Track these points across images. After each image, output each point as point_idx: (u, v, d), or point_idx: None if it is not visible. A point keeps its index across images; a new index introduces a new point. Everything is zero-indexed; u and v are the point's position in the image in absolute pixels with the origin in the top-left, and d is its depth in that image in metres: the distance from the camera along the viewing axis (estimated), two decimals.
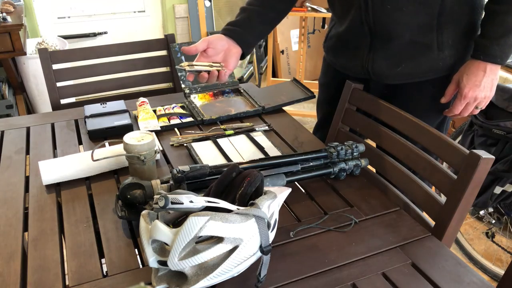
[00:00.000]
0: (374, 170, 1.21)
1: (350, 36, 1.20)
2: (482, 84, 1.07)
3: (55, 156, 1.21)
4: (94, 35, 3.39)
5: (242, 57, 1.16)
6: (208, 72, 1.05)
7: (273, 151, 1.22)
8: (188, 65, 1.01)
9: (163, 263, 0.70)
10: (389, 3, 1.07)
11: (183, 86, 1.51)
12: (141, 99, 1.43)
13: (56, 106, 1.71)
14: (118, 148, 1.13)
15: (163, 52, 1.87)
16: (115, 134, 1.28)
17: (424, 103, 1.18)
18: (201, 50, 1.07)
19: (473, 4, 1.09)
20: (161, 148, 1.23)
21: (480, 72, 1.06)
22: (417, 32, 1.08)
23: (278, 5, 1.19)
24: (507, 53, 1.05)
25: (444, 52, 1.11)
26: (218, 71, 1.06)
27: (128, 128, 1.29)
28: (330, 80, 1.38)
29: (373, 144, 1.22)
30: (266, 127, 1.35)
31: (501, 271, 1.83)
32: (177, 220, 0.78)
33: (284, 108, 1.48)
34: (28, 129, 1.34)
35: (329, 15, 2.62)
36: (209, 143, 1.25)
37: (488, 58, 1.05)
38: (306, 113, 3.19)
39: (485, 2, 1.09)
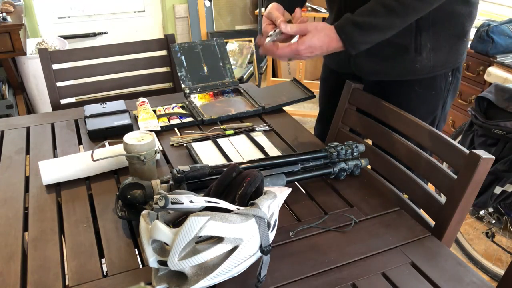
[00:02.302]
0: (374, 170, 1.21)
1: None
2: (314, 54, 1.03)
3: (55, 156, 1.21)
4: (94, 35, 3.39)
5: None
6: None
7: (273, 151, 1.22)
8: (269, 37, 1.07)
9: (163, 263, 0.70)
10: (365, 3, 1.08)
11: (183, 86, 1.51)
12: (141, 99, 1.43)
13: (56, 106, 1.71)
14: (118, 148, 1.13)
15: (163, 52, 1.87)
16: (115, 134, 1.28)
17: (411, 103, 1.18)
18: (284, 19, 1.10)
19: (452, 9, 1.08)
20: (161, 148, 1.23)
21: (324, 46, 1.01)
22: (395, 34, 1.09)
23: None
24: (359, 41, 1.00)
25: (421, 54, 1.12)
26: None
27: (128, 128, 1.29)
28: (328, 75, 1.42)
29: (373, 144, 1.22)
30: (266, 127, 1.35)
31: (501, 271, 1.83)
32: (177, 220, 0.78)
33: (284, 108, 1.48)
34: (28, 129, 1.34)
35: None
36: (209, 143, 1.25)
37: (340, 33, 1.00)
38: (306, 113, 3.19)
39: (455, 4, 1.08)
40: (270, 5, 1.17)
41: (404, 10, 0.97)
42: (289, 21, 1.11)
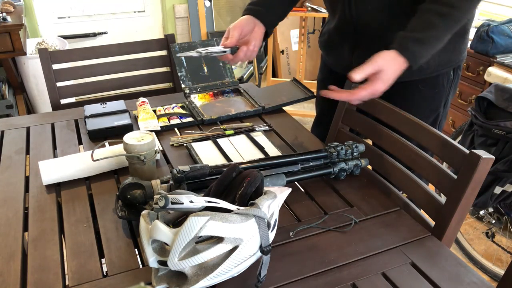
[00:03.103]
0: (374, 170, 1.21)
1: (338, 33, 1.23)
2: (390, 82, 0.99)
3: (55, 156, 1.21)
4: (94, 35, 3.39)
5: (266, 37, 1.20)
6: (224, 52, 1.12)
7: (273, 151, 1.22)
8: (203, 51, 1.09)
9: (163, 263, 0.70)
10: (370, 4, 1.08)
11: (183, 86, 1.50)
12: (141, 99, 1.43)
13: (56, 106, 1.71)
14: (118, 148, 1.13)
15: (163, 52, 1.87)
16: (115, 134, 1.28)
17: (415, 102, 1.18)
18: (237, 44, 1.12)
19: None
20: (161, 148, 1.23)
21: (398, 72, 0.99)
22: (396, 32, 1.09)
23: None
24: (422, 55, 0.98)
25: None
26: (235, 52, 1.13)
27: (128, 128, 1.29)
28: (326, 76, 1.41)
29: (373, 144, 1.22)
30: (266, 127, 1.35)
31: (501, 271, 1.83)
32: (177, 220, 0.78)
33: (284, 108, 1.48)
34: (28, 129, 1.34)
35: None
36: (209, 143, 1.25)
37: (404, 52, 0.98)
38: (306, 113, 3.19)
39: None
40: (241, 18, 1.16)
41: (458, 13, 0.96)
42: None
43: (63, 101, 1.73)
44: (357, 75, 0.98)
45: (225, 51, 1.12)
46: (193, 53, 1.08)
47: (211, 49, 1.10)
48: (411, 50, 0.98)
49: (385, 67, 0.98)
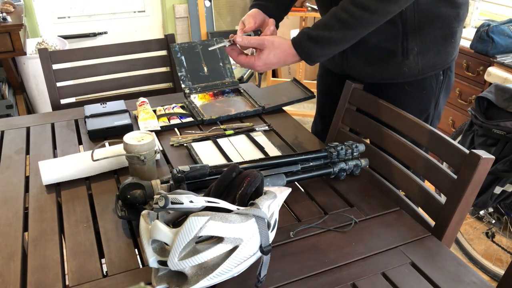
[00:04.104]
0: (374, 170, 1.21)
1: None
2: (270, 67, 1.06)
3: (55, 156, 1.21)
4: (94, 35, 3.39)
5: None
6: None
7: (273, 151, 1.22)
8: (217, 40, 1.15)
9: (163, 263, 0.70)
10: (331, 9, 1.09)
11: (183, 86, 1.51)
12: (141, 99, 1.43)
13: (56, 106, 1.71)
14: (118, 148, 1.13)
15: (163, 52, 1.87)
16: (115, 134, 1.28)
17: (402, 102, 1.18)
18: (254, 28, 1.16)
19: (439, 12, 1.08)
20: (161, 148, 1.23)
21: (281, 61, 1.04)
22: (383, 38, 1.11)
23: None
24: (316, 54, 1.01)
25: (408, 58, 1.12)
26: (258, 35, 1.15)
27: (128, 128, 1.29)
28: (324, 72, 1.43)
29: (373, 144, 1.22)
30: (266, 127, 1.35)
31: (501, 271, 1.83)
32: (177, 220, 0.78)
33: (284, 108, 1.48)
34: (28, 129, 1.34)
35: None
36: (209, 143, 1.25)
37: (297, 47, 1.02)
38: (306, 113, 3.19)
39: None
40: (251, 10, 1.20)
41: (356, 23, 0.97)
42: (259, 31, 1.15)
43: (63, 101, 1.73)
44: (240, 39, 1.06)
45: (250, 35, 1.15)
46: (225, 43, 1.10)
47: (223, 42, 1.14)
48: (303, 45, 1.02)
49: (269, 48, 1.04)
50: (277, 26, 1.25)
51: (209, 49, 1.27)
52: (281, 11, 1.25)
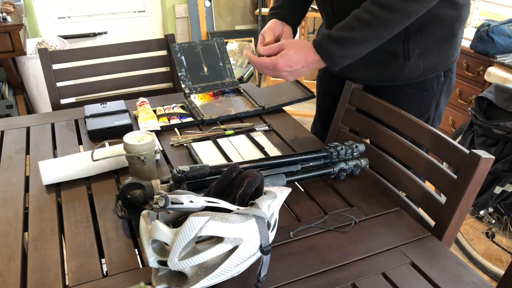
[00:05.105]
0: (374, 170, 1.21)
1: None
2: (294, 70, 1.04)
3: (55, 156, 1.21)
4: (94, 35, 3.39)
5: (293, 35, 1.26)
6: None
7: (273, 151, 1.22)
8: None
9: (163, 263, 0.70)
10: (349, 13, 1.09)
11: (183, 86, 1.51)
12: (141, 99, 1.43)
13: (56, 106, 1.71)
14: (118, 148, 1.13)
15: (163, 52, 1.87)
16: (115, 134, 1.28)
17: (403, 104, 1.18)
18: (274, 40, 1.19)
19: (440, 13, 1.08)
20: (161, 148, 1.23)
21: (303, 60, 1.03)
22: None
23: None
24: (338, 55, 1.01)
25: (410, 60, 1.12)
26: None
27: (128, 128, 1.29)
28: (322, 73, 1.43)
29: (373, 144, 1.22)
30: (266, 127, 1.35)
31: (501, 271, 1.83)
32: (177, 220, 0.78)
33: (284, 108, 1.48)
34: (28, 129, 1.34)
35: None
36: (209, 143, 1.25)
37: (318, 48, 1.02)
38: (306, 113, 3.19)
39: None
40: (269, 22, 1.22)
41: (378, 23, 0.97)
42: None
43: (63, 101, 1.73)
44: (262, 49, 1.08)
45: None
46: (250, 53, 1.16)
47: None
48: (324, 46, 1.01)
49: (288, 46, 1.04)
50: (295, 32, 1.27)
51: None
52: (297, 17, 1.27)
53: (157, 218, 0.75)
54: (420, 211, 1.06)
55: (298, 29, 3.30)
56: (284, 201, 0.98)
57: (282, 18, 1.23)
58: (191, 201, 0.70)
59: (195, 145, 1.23)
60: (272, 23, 1.22)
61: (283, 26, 1.22)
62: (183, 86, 1.50)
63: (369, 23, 0.97)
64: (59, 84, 1.71)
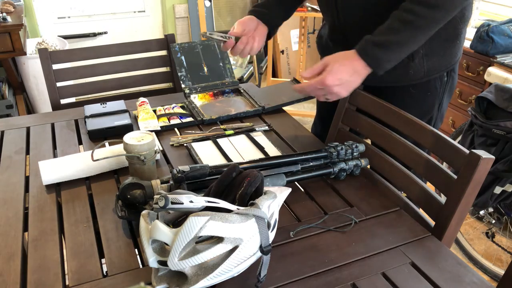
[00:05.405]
0: (374, 170, 1.21)
1: (331, 40, 1.26)
2: (344, 81, 1.01)
3: (55, 156, 1.21)
4: (94, 35, 3.39)
5: (269, 37, 1.27)
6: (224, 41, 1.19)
7: (273, 151, 1.22)
8: (208, 34, 1.19)
9: (163, 263, 0.70)
10: (355, 14, 1.10)
11: (183, 86, 1.51)
12: (141, 99, 1.43)
13: (56, 106, 1.71)
14: (118, 148, 1.13)
15: (163, 52, 1.87)
16: (115, 134, 1.28)
17: (406, 104, 1.18)
18: (240, 34, 1.20)
19: None
20: (161, 148, 1.23)
21: (350, 68, 1.00)
22: None
23: None
24: (384, 59, 0.99)
25: (414, 61, 1.12)
26: (236, 41, 1.20)
27: (128, 128, 1.29)
28: None
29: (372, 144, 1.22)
30: (266, 127, 1.35)
31: (501, 271, 1.83)
32: (177, 220, 0.78)
33: (284, 108, 1.48)
34: (28, 129, 1.34)
35: None
36: (209, 143, 1.25)
37: (363, 55, 1.00)
38: (306, 113, 3.19)
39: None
40: (245, 17, 1.23)
41: (422, 22, 0.96)
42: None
43: (63, 101, 1.73)
44: (306, 72, 1.06)
45: (229, 37, 1.19)
46: (201, 37, 1.20)
47: (215, 34, 1.19)
48: (369, 52, 0.99)
49: (332, 61, 1.02)
50: (274, 32, 1.27)
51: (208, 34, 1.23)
52: (277, 19, 1.27)
53: (157, 218, 0.75)
54: (420, 211, 1.06)
55: (298, 30, 3.30)
56: (284, 201, 0.98)
57: (260, 17, 1.23)
58: (191, 201, 0.70)
59: (195, 145, 1.23)
60: (247, 18, 1.22)
61: (258, 24, 1.23)
62: (183, 86, 1.50)
63: (413, 23, 0.96)
64: (59, 84, 1.71)
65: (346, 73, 1.00)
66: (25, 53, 2.46)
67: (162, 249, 0.72)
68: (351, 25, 1.15)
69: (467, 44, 2.30)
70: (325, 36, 1.30)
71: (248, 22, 1.21)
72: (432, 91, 1.18)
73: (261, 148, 1.23)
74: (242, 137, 1.29)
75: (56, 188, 1.05)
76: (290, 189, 0.84)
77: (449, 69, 1.17)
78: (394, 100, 1.16)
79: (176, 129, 1.34)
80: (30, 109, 2.86)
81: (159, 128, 1.31)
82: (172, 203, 0.69)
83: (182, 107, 1.45)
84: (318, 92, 1.04)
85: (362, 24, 1.12)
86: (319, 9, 2.89)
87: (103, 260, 0.84)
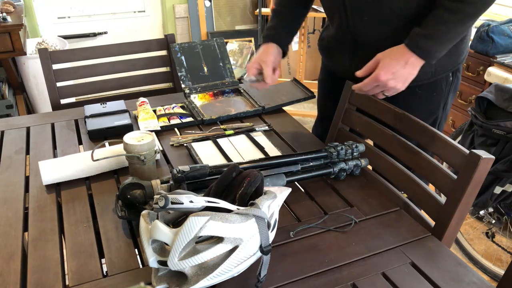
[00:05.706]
0: (374, 170, 1.21)
1: (338, 42, 1.25)
2: (398, 74, 1.02)
3: (55, 156, 1.21)
4: (94, 35, 3.39)
5: (283, 55, 1.30)
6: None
7: (273, 151, 1.22)
8: (248, 79, 1.26)
9: (163, 263, 0.70)
10: (366, 15, 1.09)
11: (183, 86, 1.50)
12: (141, 99, 1.43)
13: (56, 106, 1.71)
14: (118, 148, 1.13)
15: (163, 52, 1.87)
16: (115, 134, 1.28)
17: (412, 104, 1.18)
18: (272, 69, 1.23)
19: None
20: (161, 148, 1.23)
21: (401, 61, 1.02)
22: (395, 43, 1.09)
23: (302, 3, 1.31)
24: (435, 50, 1.01)
25: None
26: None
27: (128, 128, 1.29)
28: (325, 76, 1.42)
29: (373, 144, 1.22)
30: (266, 127, 1.35)
31: (501, 271, 1.83)
32: (177, 220, 0.78)
33: (284, 108, 1.48)
34: (28, 129, 1.34)
35: None
36: (209, 143, 1.25)
37: (413, 48, 1.01)
38: (306, 113, 3.19)
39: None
40: (266, 51, 1.23)
41: (473, 9, 0.97)
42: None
43: (63, 101, 1.73)
44: (359, 72, 1.06)
45: (259, 80, 1.24)
46: (247, 80, 1.25)
47: (254, 78, 1.25)
48: (421, 46, 1.00)
49: (383, 57, 1.03)
50: (285, 51, 1.29)
51: (249, 82, 1.30)
52: (289, 35, 1.30)
53: (157, 218, 0.75)
54: (420, 211, 1.06)
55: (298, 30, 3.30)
56: (284, 201, 0.98)
57: (276, 40, 1.25)
58: (191, 201, 0.70)
59: (195, 145, 1.23)
60: (270, 54, 1.23)
61: (277, 49, 1.25)
62: (183, 86, 1.50)
63: (461, 11, 0.97)
64: (59, 84, 1.71)
65: (398, 66, 1.01)
66: (25, 53, 2.46)
67: (162, 249, 0.72)
68: (360, 27, 1.14)
69: None
70: (329, 38, 1.29)
71: (274, 60, 1.23)
72: (438, 91, 1.18)
73: (261, 148, 1.23)
74: (242, 137, 1.29)
75: (56, 188, 1.05)
76: (290, 189, 0.84)
77: (455, 69, 1.17)
78: (400, 101, 1.15)
79: (176, 129, 1.34)
80: (30, 109, 2.86)
81: (159, 128, 1.31)
82: (172, 203, 0.69)
83: (182, 107, 1.45)
84: (375, 89, 1.05)
85: (372, 25, 1.11)
86: (319, 9, 2.89)
87: (103, 260, 0.84)
